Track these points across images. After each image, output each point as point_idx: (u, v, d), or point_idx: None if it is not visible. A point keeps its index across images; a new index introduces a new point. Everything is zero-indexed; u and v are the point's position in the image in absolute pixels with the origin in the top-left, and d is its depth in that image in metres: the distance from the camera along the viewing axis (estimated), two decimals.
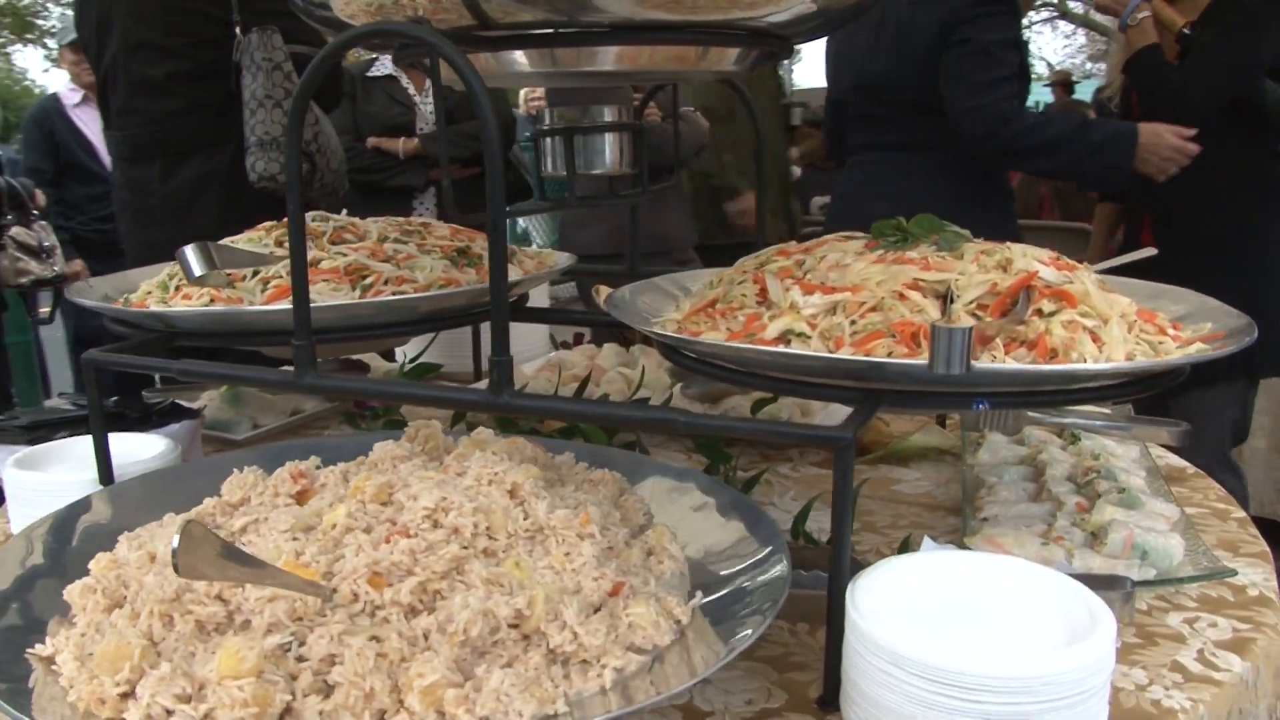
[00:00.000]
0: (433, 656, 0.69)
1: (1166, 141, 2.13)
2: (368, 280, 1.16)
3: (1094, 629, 0.72)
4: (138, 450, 1.17)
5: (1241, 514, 1.20)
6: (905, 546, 1.03)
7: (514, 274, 1.28)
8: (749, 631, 0.74)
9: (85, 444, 1.16)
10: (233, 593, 0.75)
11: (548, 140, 1.16)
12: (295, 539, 0.81)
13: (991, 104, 2.08)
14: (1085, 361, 0.87)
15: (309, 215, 1.28)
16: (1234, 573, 1.01)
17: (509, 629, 0.73)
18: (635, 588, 0.81)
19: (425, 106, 3.10)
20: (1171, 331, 1.00)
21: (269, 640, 0.70)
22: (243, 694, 0.65)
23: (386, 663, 0.69)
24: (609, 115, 1.17)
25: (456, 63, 0.82)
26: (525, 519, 0.84)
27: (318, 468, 0.98)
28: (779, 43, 1.18)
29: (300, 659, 0.70)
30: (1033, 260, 0.97)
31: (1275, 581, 1.03)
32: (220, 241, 1.24)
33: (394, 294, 1.15)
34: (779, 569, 0.82)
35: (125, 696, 0.68)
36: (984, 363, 0.86)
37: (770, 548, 0.87)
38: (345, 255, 1.18)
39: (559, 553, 0.81)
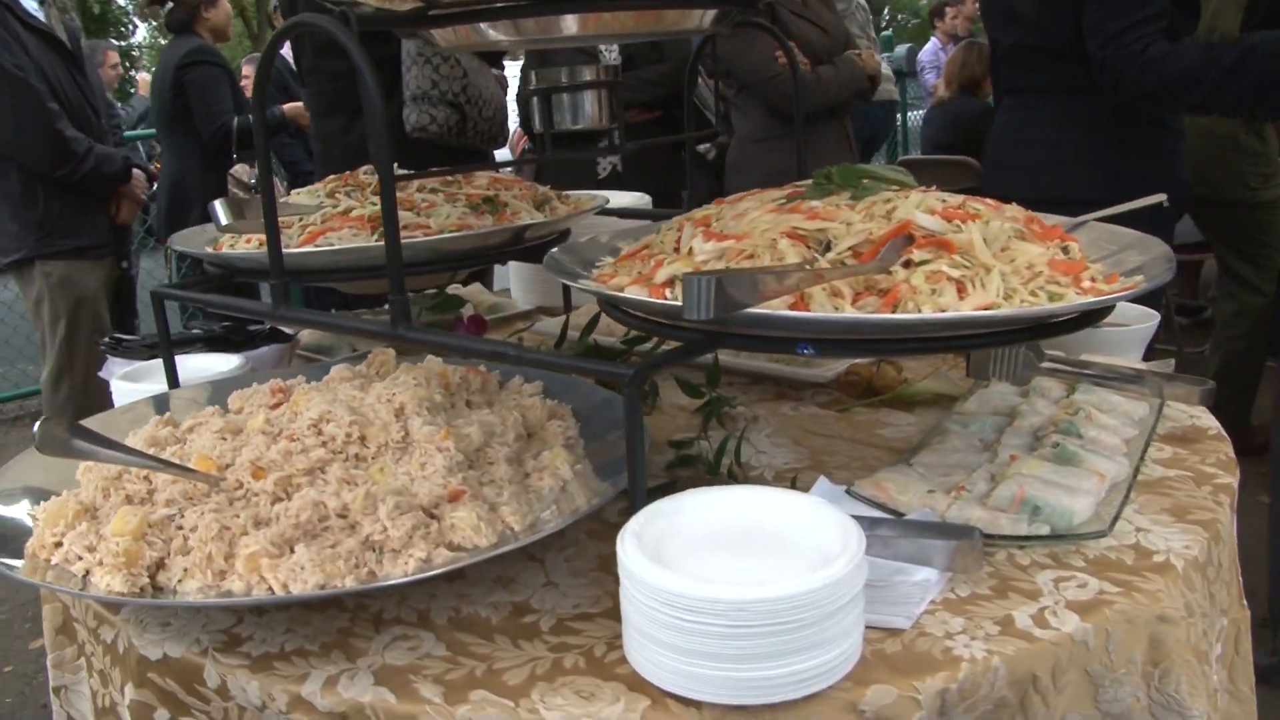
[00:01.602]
0: (262, 533, 0.86)
1: None
2: None
3: (829, 563, 0.76)
4: (216, 366, 1.43)
5: (1227, 480, 1.13)
6: (794, 484, 1.07)
7: (533, 218, 1.41)
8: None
9: (191, 360, 1.44)
10: (157, 476, 0.95)
11: (534, 100, 1.28)
12: (224, 439, 1.00)
13: (1121, 51, 1.92)
14: (920, 311, 0.88)
15: (363, 169, 1.48)
16: (1090, 535, 0.97)
17: (338, 518, 0.89)
18: (480, 495, 0.94)
19: (610, 53, 3.25)
20: (1091, 284, 0.98)
21: (159, 511, 0.90)
22: (119, 548, 0.85)
23: (230, 534, 0.87)
24: (588, 74, 1.27)
25: (350, 49, 0.95)
26: (401, 433, 0.98)
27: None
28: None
29: (179, 527, 0.90)
30: (916, 210, 0.97)
31: (1198, 552, 0.98)
32: (292, 193, 1.47)
33: (407, 238, 1.32)
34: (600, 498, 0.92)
35: (57, 545, 0.91)
36: (814, 311, 0.90)
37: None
38: (372, 204, 1.37)
39: (417, 462, 0.95)
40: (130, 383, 1.38)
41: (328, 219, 1.35)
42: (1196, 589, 0.97)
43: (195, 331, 1.58)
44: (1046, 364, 1.36)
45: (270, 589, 0.84)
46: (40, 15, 2.84)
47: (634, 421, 0.84)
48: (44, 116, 2.76)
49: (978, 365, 1.38)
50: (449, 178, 1.47)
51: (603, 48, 3.25)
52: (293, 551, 0.86)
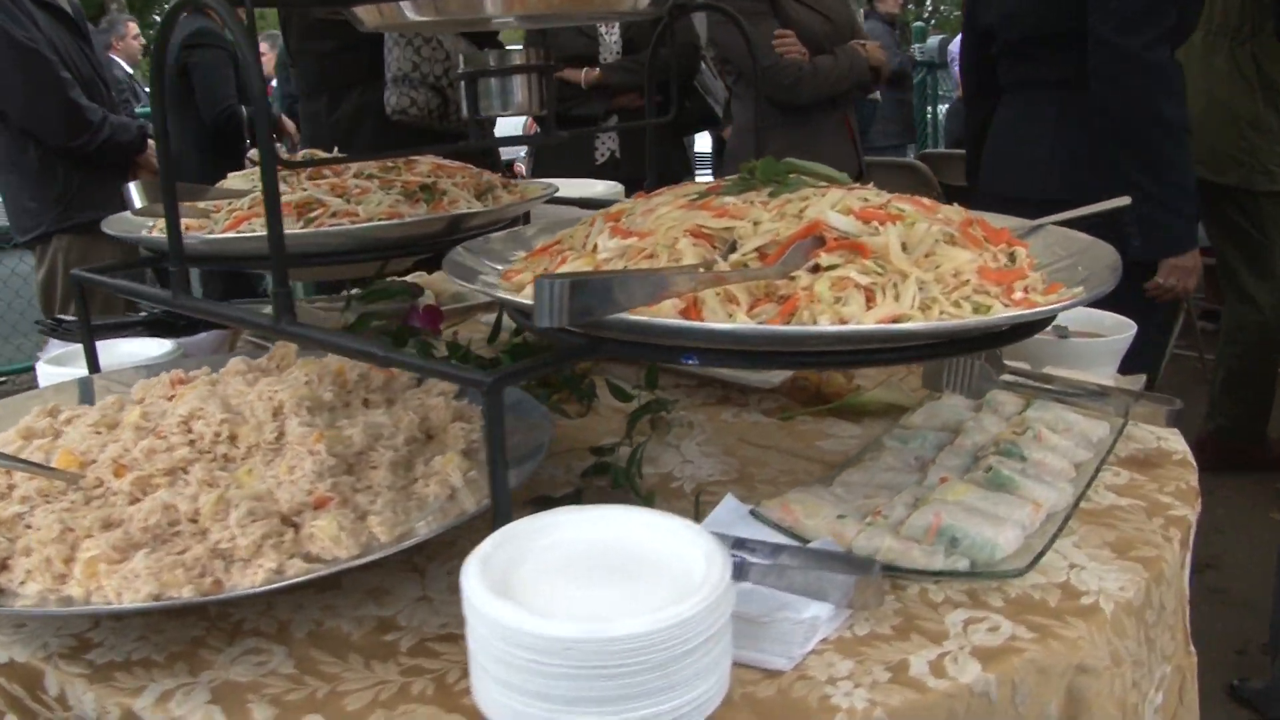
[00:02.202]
0: (105, 536, 0.81)
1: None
2: (314, 213, 1.28)
3: (684, 598, 0.70)
4: (148, 351, 1.39)
5: (1183, 512, 1.04)
6: (696, 503, 1.01)
7: (470, 207, 1.35)
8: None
9: (125, 344, 1.41)
10: (19, 476, 0.91)
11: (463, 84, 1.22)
12: (97, 433, 0.95)
13: (1128, 45, 1.83)
14: (816, 322, 0.80)
15: (302, 153, 1.42)
16: (1004, 574, 0.89)
17: (189, 523, 0.84)
18: (350, 502, 0.88)
19: (609, 37, 3.17)
20: (1024, 295, 0.89)
21: (10, 509, 0.85)
22: None
23: (72, 536, 0.82)
24: (517, 59, 1.20)
25: (229, 24, 0.90)
26: (275, 433, 0.93)
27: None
28: None
29: (28, 526, 0.85)
30: (829, 209, 0.90)
31: (1133, 594, 0.90)
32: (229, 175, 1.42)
33: (331, 226, 1.26)
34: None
35: None
36: (707, 318, 0.83)
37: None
38: (304, 190, 1.31)
39: (286, 465, 0.90)
40: (56, 366, 1.35)
41: (254, 204, 1.29)
42: (1128, 635, 0.89)
43: (134, 315, 1.54)
44: (1006, 377, 1.28)
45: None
46: None
47: (494, 434, 0.78)
48: (58, 87, 2.74)
49: (930, 375, 1.31)
50: (389, 163, 1.42)
51: (602, 29, 3.18)
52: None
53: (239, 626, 0.87)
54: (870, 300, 0.83)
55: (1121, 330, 1.39)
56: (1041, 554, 0.90)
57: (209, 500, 0.83)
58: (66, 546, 0.81)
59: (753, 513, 0.96)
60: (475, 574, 0.72)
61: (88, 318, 1.27)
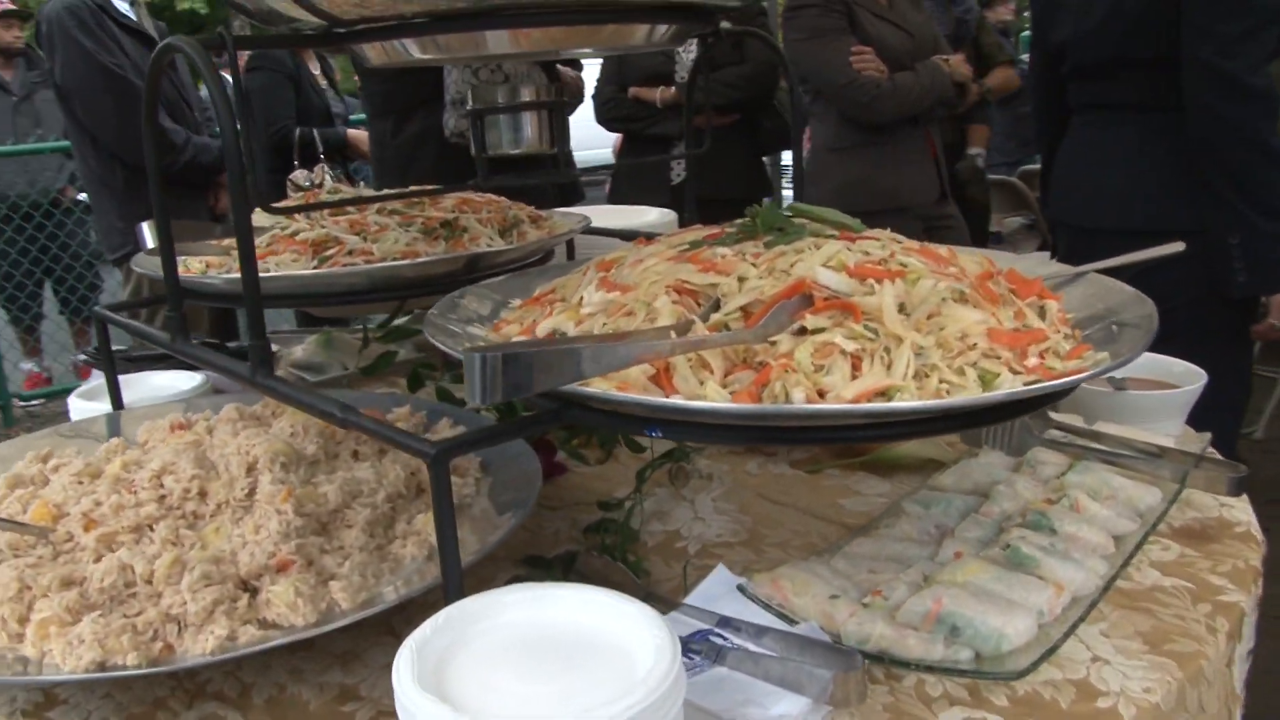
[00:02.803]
0: (59, 597, 0.79)
1: None
2: (329, 252, 1.27)
3: (618, 699, 0.64)
4: (178, 384, 1.40)
5: (1236, 597, 0.93)
6: (684, 573, 0.95)
7: (490, 245, 1.32)
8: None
9: (157, 376, 1.42)
10: None
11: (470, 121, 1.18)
12: (80, 483, 0.95)
13: (1230, 70, 1.69)
14: (788, 395, 0.74)
15: (329, 187, 1.41)
16: (998, 675, 0.80)
17: (145, 584, 0.82)
18: (316, 564, 0.85)
19: (686, 55, 3.12)
20: (1038, 361, 0.81)
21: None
22: None
23: (29, 595, 0.81)
24: (526, 95, 1.16)
25: (201, 67, 0.88)
26: (246, 490, 0.91)
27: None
28: (697, 16, 1.10)
29: None
30: (820, 265, 0.83)
31: (1161, 697, 0.80)
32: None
33: (345, 265, 1.24)
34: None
35: None
36: (678, 384, 0.77)
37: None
38: (322, 228, 1.30)
39: (253, 524, 0.87)
40: (85, 400, 1.36)
41: (273, 241, 1.29)
42: None
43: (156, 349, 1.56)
44: (1051, 433, 1.19)
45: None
46: (131, 14, 2.92)
47: (441, 506, 0.74)
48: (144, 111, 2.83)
49: (972, 431, 1.22)
50: (415, 199, 1.40)
51: (679, 49, 3.13)
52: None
53: (202, 688, 0.85)
54: (857, 369, 0.76)
55: (1190, 381, 1.27)
56: (1050, 652, 0.81)
57: (163, 562, 0.81)
58: (24, 605, 0.80)
59: (740, 588, 0.90)
60: (407, 659, 0.68)
61: (109, 352, 1.28)
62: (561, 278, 1.03)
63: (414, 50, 1.06)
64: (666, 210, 1.99)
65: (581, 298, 0.92)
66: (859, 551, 0.98)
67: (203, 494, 0.90)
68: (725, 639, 0.85)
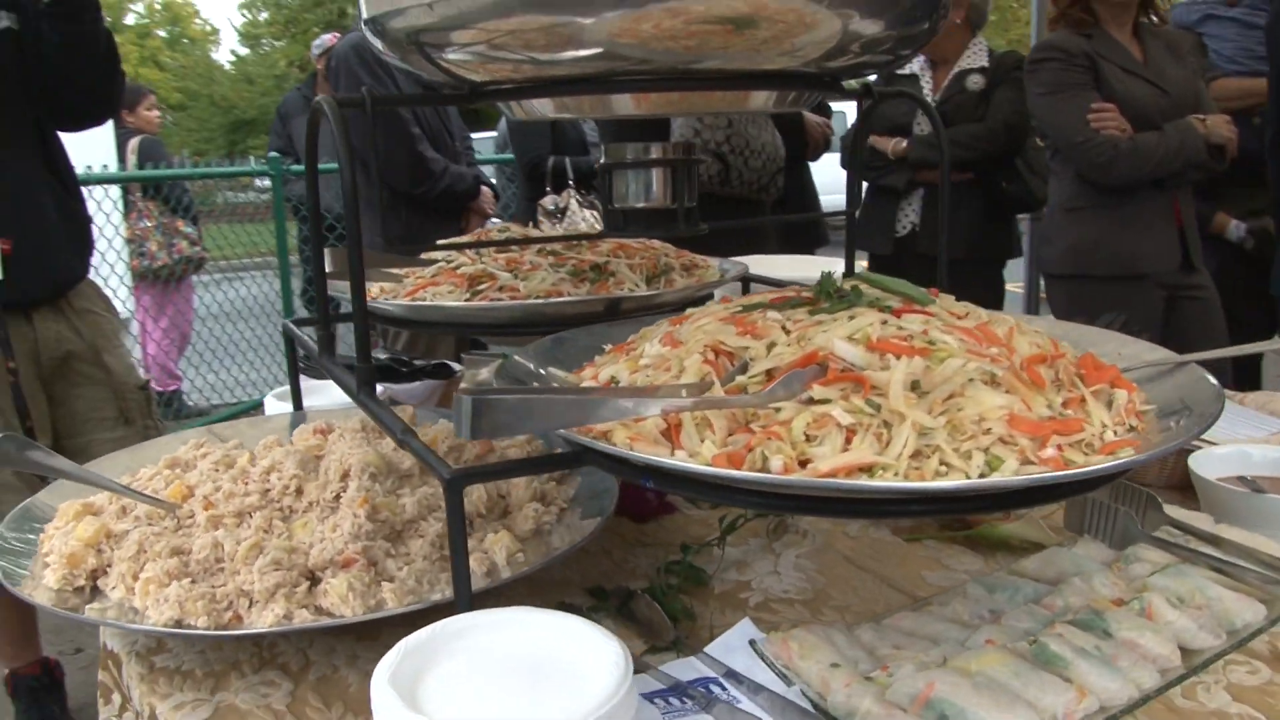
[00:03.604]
0: (162, 562, 0.95)
1: None
2: (481, 286, 1.40)
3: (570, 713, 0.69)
4: None
5: None
6: (710, 628, 0.97)
7: (632, 289, 1.40)
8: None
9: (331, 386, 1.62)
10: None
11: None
12: (216, 470, 1.12)
13: None
14: (765, 462, 0.76)
15: (500, 226, 1.55)
16: None
17: (230, 561, 0.96)
18: (378, 564, 0.97)
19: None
20: (1055, 452, 0.79)
21: (118, 525, 1.03)
22: (67, 548, 0.99)
23: (144, 556, 0.97)
24: (655, 152, 1.23)
25: (334, 124, 1.03)
26: (335, 492, 1.04)
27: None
28: (809, 84, 1.13)
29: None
30: (840, 336, 0.84)
31: None
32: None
33: (492, 300, 1.37)
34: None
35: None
36: (683, 441, 0.81)
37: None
38: (482, 264, 1.43)
39: (333, 523, 1.00)
40: (278, 400, 1.57)
41: (439, 273, 1.44)
42: None
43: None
44: (1162, 531, 1.11)
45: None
46: None
47: (454, 528, 0.82)
48: (408, 141, 3.16)
49: (1072, 515, 1.16)
50: (575, 242, 1.51)
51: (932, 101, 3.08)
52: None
53: (274, 658, 0.98)
54: (849, 442, 0.78)
55: None
56: None
57: (245, 545, 0.95)
58: (138, 565, 0.97)
59: (752, 642, 0.92)
60: (385, 669, 0.76)
61: (294, 361, 1.47)
62: (649, 327, 1.10)
63: (548, 109, 1.17)
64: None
65: (641, 350, 0.98)
66: (898, 625, 0.96)
67: (299, 492, 1.04)
68: (725, 689, 0.88)
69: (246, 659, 0.98)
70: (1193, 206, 2.69)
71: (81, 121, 2.04)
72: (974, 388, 0.82)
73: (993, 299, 3.17)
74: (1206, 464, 1.23)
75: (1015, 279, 4.73)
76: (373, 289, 1.48)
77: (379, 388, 1.60)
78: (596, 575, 1.15)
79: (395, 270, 1.49)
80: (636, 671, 0.92)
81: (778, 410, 0.81)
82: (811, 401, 0.81)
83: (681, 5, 0.94)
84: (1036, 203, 2.97)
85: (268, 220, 5.13)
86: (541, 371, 1.03)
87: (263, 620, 0.91)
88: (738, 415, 0.83)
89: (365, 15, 1.10)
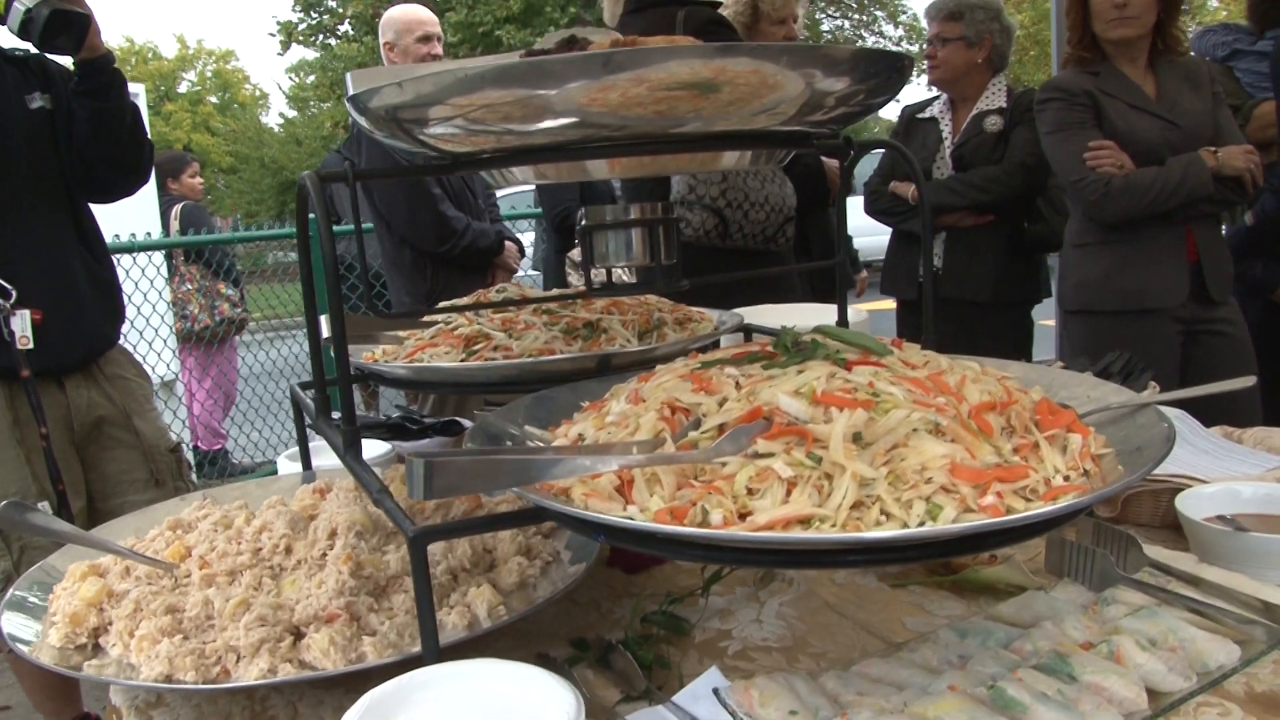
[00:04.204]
0: (156, 620, 1.00)
1: None
2: (476, 346, 1.44)
3: None
4: (368, 452, 1.63)
5: None
6: (679, 677, 0.99)
7: (623, 346, 1.44)
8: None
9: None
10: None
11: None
12: (215, 530, 1.17)
13: None
14: (704, 517, 0.79)
15: (496, 287, 1.61)
16: None
17: (220, 618, 1.00)
18: (360, 619, 1.01)
19: (945, 150, 3.08)
20: (994, 500, 0.81)
21: (121, 585, 1.08)
22: (70, 608, 1.05)
23: (140, 615, 1.02)
24: (634, 213, 1.28)
25: (314, 196, 1.08)
26: (322, 550, 1.08)
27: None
28: (772, 142, 1.17)
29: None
30: (784, 390, 0.87)
31: None
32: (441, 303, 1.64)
33: (486, 360, 1.41)
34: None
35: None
36: (635, 496, 0.84)
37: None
38: (478, 325, 1.48)
39: (319, 579, 1.04)
40: (289, 461, 1.63)
41: (437, 335, 1.49)
42: None
43: (379, 417, 1.81)
44: (1141, 574, 1.11)
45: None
46: None
47: (419, 583, 0.86)
48: (430, 201, 3.24)
49: (1052, 558, 1.17)
50: (570, 300, 1.55)
51: (945, 136, 3.09)
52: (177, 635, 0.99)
53: (265, 711, 1.02)
54: (787, 493, 0.80)
55: None
56: None
57: (232, 603, 1.00)
58: (134, 622, 1.02)
59: (715, 691, 0.94)
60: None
61: (302, 422, 1.53)
62: (620, 385, 1.13)
63: (528, 176, 1.22)
64: (859, 310, 2.01)
65: (609, 408, 1.02)
66: (866, 671, 0.98)
67: (288, 550, 1.09)
68: None
69: (239, 712, 1.02)
70: (1218, 239, 2.67)
71: (112, 193, 2.15)
72: (918, 438, 0.84)
73: (1019, 341, 3.16)
74: (1194, 503, 1.23)
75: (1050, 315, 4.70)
76: (376, 351, 1.54)
77: (387, 446, 1.65)
78: (583, 626, 1.18)
79: (399, 333, 1.54)
80: None
81: (724, 465, 0.84)
82: (757, 456, 0.84)
83: (644, 74, 0.98)
84: (1060, 243, 2.96)
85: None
86: (514, 431, 1.07)
87: (248, 674, 0.95)
88: (687, 470, 0.86)
89: (349, 94, 1.16)
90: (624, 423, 0.96)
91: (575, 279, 3.41)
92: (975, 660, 0.97)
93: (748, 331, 1.76)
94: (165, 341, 4.59)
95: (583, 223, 1.31)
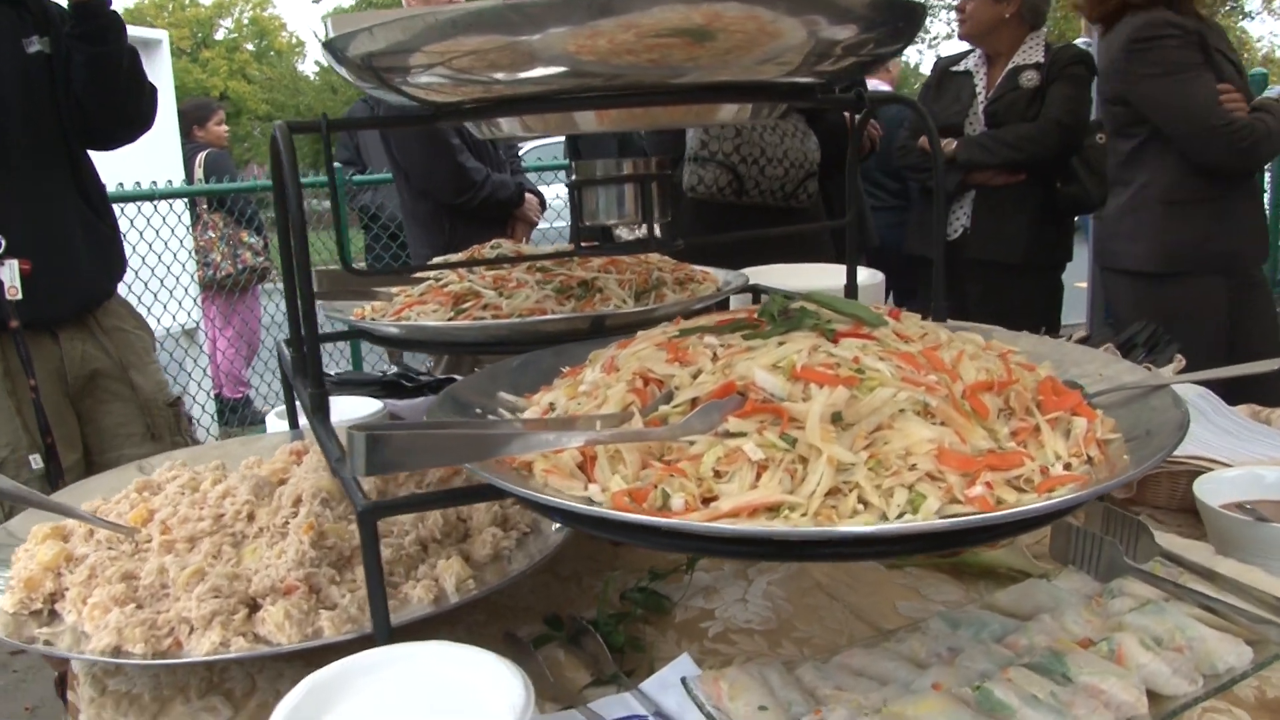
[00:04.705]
0: (107, 588, 0.96)
1: None
2: (465, 305, 1.39)
3: None
4: (358, 410, 1.59)
5: None
6: (650, 663, 0.94)
7: (618, 307, 1.38)
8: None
9: (344, 401, 1.63)
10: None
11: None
12: (181, 493, 1.13)
13: None
14: (664, 504, 0.73)
15: (489, 244, 1.55)
16: None
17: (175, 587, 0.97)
18: (320, 592, 0.96)
19: (977, 106, 2.96)
20: (983, 489, 0.74)
21: (80, 549, 1.04)
22: (26, 572, 1.01)
23: (94, 582, 0.98)
24: (627, 168, 1.21)
25: (284, 154, 1.02)
26: (285, 518, 1.03)
27: None
28: (769, 95, 1.09)
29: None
30: (762, 364, 0.81)
31: None
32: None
33: (475, 319, 1.35)
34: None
35: None
36: (597, 474, 0.79)
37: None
38: (469, 282, 1.42)
39: (280, 549, 1.00)
40: (278, 419, 1.59)
41: (426, 291, 1.43)
42: None
43: (374, 374, 1.77)
44: (1151, 564, 1.04)
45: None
46: None
47: (369, 560, 0.81)
48: (449, 151, 3.16)
49: (1058, 544, 1.10)
50: (567, 259, 1.49)
51: (979, 92, 2.96)
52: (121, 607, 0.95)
53: (221, 684, 0.98)
54: (757, 478, 0.74)
55: None
56: None
57: (186, 572, 0.96)
58: (89, 589, 0.98)
59: (684, 680, 0.89)
60: (288, 705, 0.75)
61: (288, 380, 1.48)
62: (598, 350, 1.07)
63: (516, 128, 1.15)
64: (874, 272, 1.93)
65: (582, 377, 0.96)
66: (848, 662, 0.92)
67: (251, 517, 1.04)
68: None
69: (196, 683, 0.98)
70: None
71: (112, 141, 2.10)
72: (904, 419, 0.78)
73: (1049, 306, 3.05)
74: (1213, 488, 1.15)
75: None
76: (366, 308, 1.49)
77: (379, 404, 1.60)
78: (562, 602, 1.13)
79: (390, 289, 1.49)
80: (569, 706, 0.90)
81: (692, 444, 0.78)
82: (728, 435, 0.78)
83: (632, 19, 0.91)
84: (1094, 204, 2.85)
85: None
86: (483, 400, 1.01)
87: (199, 648, 0.91)
88: (653, 448, 0.80)
89: (323, 40, 1.09)
90: (595, 393, 0.90)
91: (625, 233, 3.32)
92: (965, 655, 0.91)
93: (756, 293, 1.69)
94: (187, 290, 4.58)
95: (572, 177, 1.25)
